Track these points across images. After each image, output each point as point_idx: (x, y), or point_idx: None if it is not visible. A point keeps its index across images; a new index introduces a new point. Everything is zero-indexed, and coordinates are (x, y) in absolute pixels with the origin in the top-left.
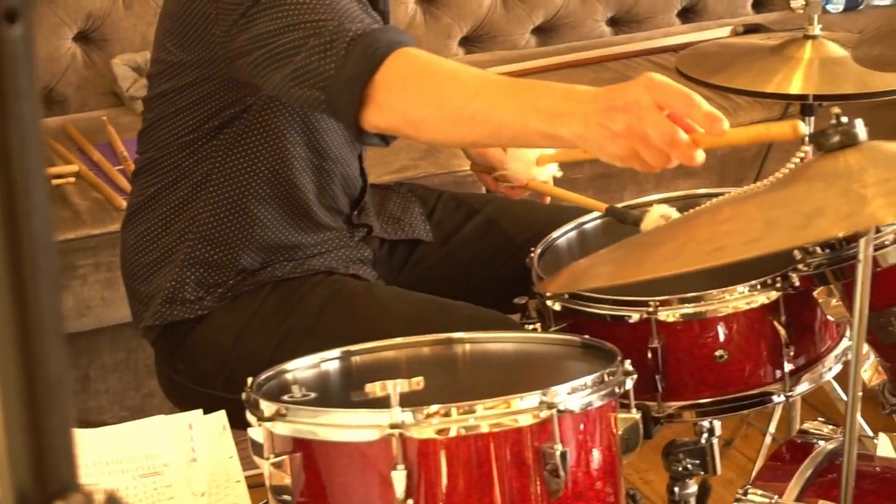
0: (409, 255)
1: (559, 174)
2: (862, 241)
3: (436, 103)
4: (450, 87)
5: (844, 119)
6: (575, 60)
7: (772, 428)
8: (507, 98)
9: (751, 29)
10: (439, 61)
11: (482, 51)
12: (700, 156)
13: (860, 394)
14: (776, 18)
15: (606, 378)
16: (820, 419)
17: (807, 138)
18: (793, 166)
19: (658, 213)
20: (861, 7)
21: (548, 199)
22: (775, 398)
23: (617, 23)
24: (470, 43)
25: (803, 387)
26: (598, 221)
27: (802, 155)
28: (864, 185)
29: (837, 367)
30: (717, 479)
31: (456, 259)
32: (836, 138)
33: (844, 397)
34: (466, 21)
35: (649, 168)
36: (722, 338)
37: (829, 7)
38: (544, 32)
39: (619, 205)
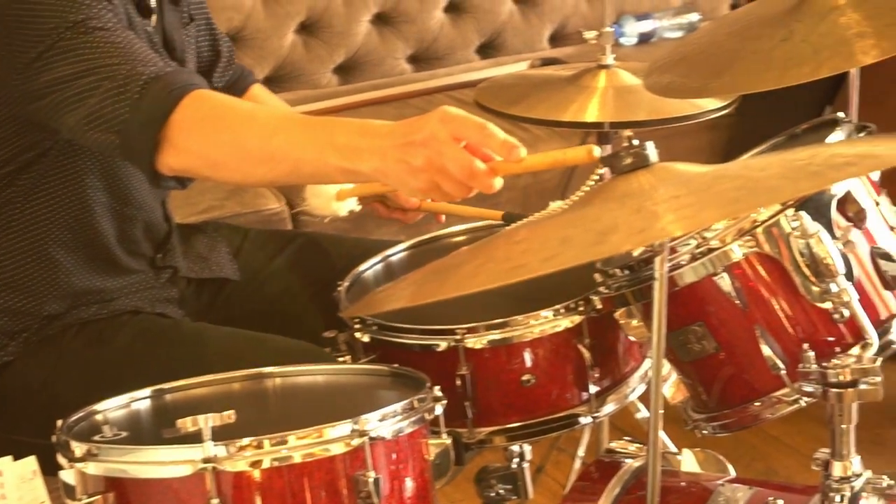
0: (217, 294)
1: (358, 209)
2: (657, 260)
3: (234, 143)
4: (247, 127)
5: (636, 142)
6: (377, 98)
7: (581, 452)
8: (304, 136)
9: (548, 62)
10: (235, 102)
11: (284, 90)
12: (498, 183)
13: (662, 411)
14: (572, 52)
15: (416, 404)
16: (626, 438)
17: (601, 161)
18: (588, 189)
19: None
20: (653, 40)
21: (443, 218)
22: (582, 420)
23: (417, 60)
24: (272, 83)
25: (609, 407)
26: (403, 253)
27: (598, 178)
28: (655, 203)
29: (641, 387)
30: None
31: (265, 295)
32: (629, 160)
33: (646, 413)
34: (268, 61)
35: (450, 199)
36: (528, 363)
37: (622, 41)
38: (346, 70)
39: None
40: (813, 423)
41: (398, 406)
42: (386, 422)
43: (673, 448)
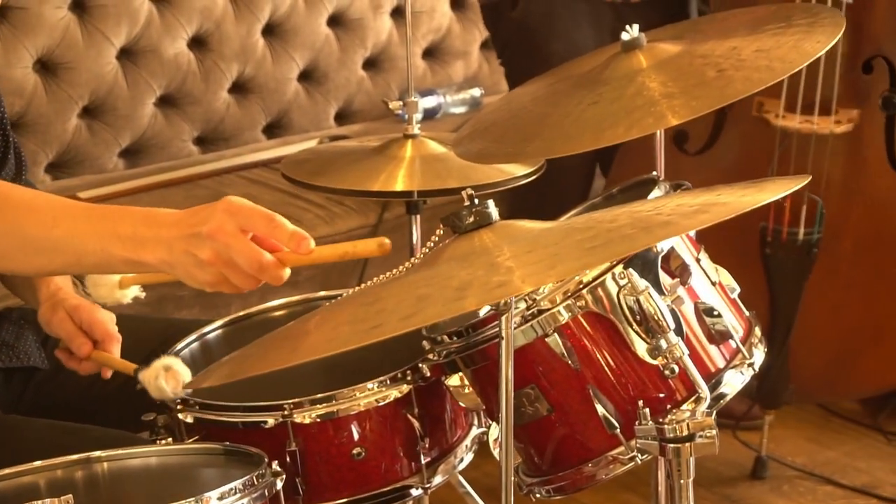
0: (27, 383)
1: (142, 295)
2: (503, 319)
3: (12, 233)
4: (26, 216)
5: (477, 200)
6: (167, 180)
7: None
8: (87, 226)
9: (336, 139)
10: (13, 189)
11: (70, 176)
12: (286, 274)
13: (513, 479)
14: (359, 129)
15: (256, 481)
16: None
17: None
18: (427, 251)
19: (160, 366)
20: (438, 116)
21: (109, 373)
22: (413, 491)
23: (204, 141)
24: (57, 169)
25: (438, 478)
26: (220, 331)
27: (437, 238)
28: (506, 259)
29: (469, 457)
30: None
31: (76, 382)
32: (471, 219)
33: (469, 489)
34: (52, 146)
35: (238, 290)
36: (357, 436)
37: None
38: (132, 154)
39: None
40: (622, 489)
41: (238, 483)
42: (227, 500)
43: None
